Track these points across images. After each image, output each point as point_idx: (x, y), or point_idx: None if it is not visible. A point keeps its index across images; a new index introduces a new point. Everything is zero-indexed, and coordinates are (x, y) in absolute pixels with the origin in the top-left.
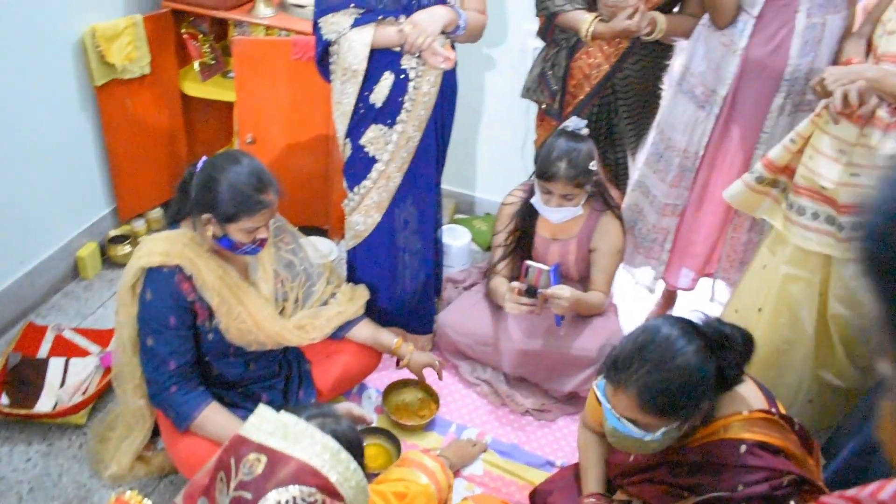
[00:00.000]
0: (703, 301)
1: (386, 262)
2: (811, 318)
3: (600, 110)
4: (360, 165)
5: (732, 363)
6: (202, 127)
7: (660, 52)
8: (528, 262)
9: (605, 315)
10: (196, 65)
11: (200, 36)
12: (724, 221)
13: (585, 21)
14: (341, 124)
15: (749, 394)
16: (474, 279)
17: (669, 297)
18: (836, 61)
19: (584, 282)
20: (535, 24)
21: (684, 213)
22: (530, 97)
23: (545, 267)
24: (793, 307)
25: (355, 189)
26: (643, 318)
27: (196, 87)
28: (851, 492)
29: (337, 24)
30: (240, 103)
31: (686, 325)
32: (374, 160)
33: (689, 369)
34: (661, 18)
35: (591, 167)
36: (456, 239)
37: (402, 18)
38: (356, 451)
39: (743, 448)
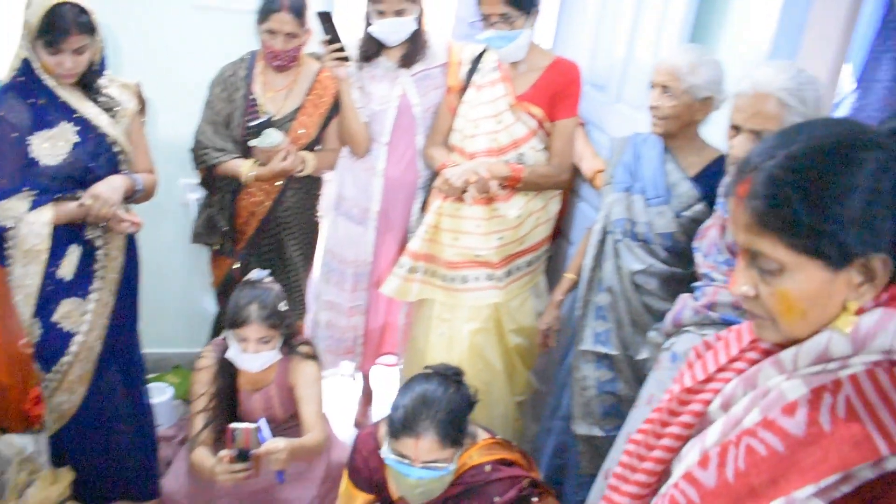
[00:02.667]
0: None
1: (98, 435)
2: (497, 357)
3: (270, 242)
4: (55, 344)
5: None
6: None
7: (312, 184)
8: (233, 426)
9: None
10: None
11: None
12: (392, 310)
13: (244, 167)
14: (27, 307)
15: (475, 430)
16: (186, 433)
17: (368, 390)
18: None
19: (294, 420)
20: (192, 178)
21: (368, 311)
22: (201, 241)
23: (252, 425)
24: (482, 354)
25: (54, 368)
26: (352, 412)
27: None
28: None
29: (12, 209)
30: None
31: (431, 373)
32: (70, 335)
33: (457, 399)
34: (309, 156)
35: (281, 308)
36: (158, 396)
37: (80, 192)
38: None
39: (488, 468)
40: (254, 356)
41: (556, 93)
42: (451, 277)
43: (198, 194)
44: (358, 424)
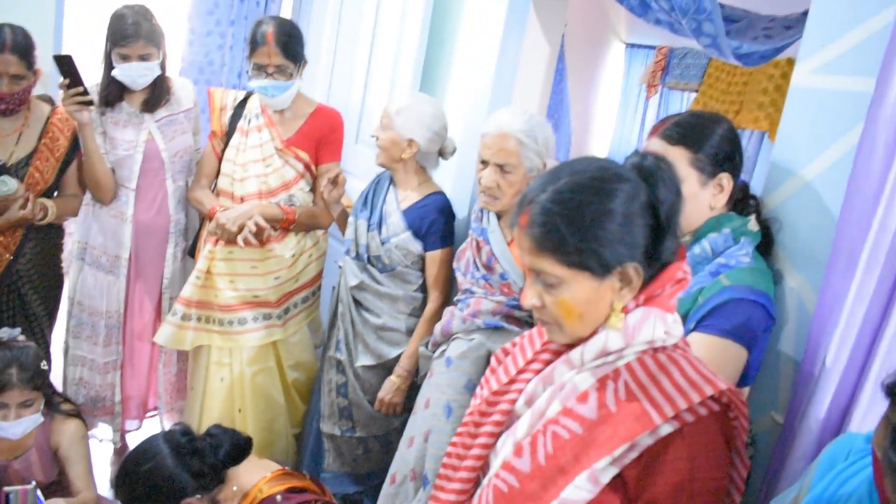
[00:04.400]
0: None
1: None
2: (279, 392)
3: (10, 297)
4: None
5: (207, 465)
6: None
7: (54, 233)
8: (7, 489)
9: None
10: None
11: None
12: (154, 361)
13: None
14: None
15: (263, 466)
16: None
17: (125, 447)
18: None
19: (56, 486)
20: None
21: (124, 365)
22: None
23: (29, 486)
24: (265, 392)
25: None
26: (105, 473)
27: None
28: None
29: None
30: None
31: (170, 442)
32: None
33: (159, 474)
34: (50, 203)
35: (42, 366)
36: None
37: None
38: None
39: (279, 497)
40: (16, 423)
41: (320, 138)
42: (229, 321)
43: None
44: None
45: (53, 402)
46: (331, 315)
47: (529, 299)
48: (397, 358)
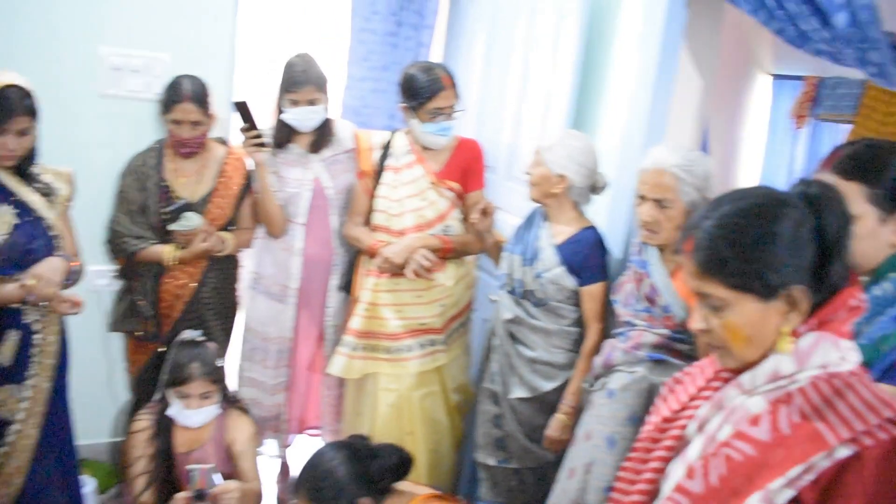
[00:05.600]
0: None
1: None
2: (444, 414)
3: (194, 323)
4: None
5: (380, 471)
6: None
7: (231, 264)
8: (190, 466)
9: None
10: None
11: None
12: (313, 384)
13: (166, 251)
14: None
15: (417, 487)
16: None
17: (287, 465)
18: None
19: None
20: (101, 265)
21: (290, 387)
22: (121, 329)
23: (207, 466)
24: (433, 415)
25: None
26: (272, 489)
27: None
28: None
29: None
30: None
31: (349, 447)
32: (6, 423)
33: (338, 473)
34: (228, 236)
35: (219, 363)
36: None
37: (17, 275)
38: None
39: None
40: (196, 411)
41: (466, 168)
42: (397, 348)
43: (105, 281)
44: (281, 502)
45: (230, 398)
46: (485, 347)
47: (696, 323)
48: (553, 391)
